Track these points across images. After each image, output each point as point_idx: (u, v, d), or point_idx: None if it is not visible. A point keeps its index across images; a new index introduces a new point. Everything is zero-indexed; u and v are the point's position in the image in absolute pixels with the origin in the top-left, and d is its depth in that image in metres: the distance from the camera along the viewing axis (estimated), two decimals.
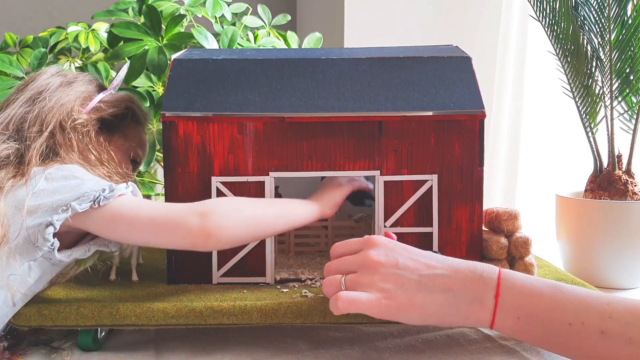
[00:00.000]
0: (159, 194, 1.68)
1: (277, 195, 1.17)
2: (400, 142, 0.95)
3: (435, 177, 0.96)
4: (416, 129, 0.95)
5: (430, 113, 0.95)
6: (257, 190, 0.96)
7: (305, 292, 0.91)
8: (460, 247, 0.97)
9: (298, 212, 0.96)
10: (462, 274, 0.75)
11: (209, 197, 0.96)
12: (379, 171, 0.96)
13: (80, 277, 1.00)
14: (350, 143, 0.96)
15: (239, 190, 0.96)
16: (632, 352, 0.66)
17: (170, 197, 0.96)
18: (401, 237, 0.96)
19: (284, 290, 0.93)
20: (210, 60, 1.00)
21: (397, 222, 0.97)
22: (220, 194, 0.96)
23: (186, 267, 0.97)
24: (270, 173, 0.96)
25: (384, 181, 0.96)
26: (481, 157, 0.96)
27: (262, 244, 0.97)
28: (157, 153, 1.46)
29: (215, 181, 0.96)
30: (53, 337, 0.92)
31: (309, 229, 1.14)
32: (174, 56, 1.02)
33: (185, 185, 0.96)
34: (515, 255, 0.97)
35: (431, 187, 0.96)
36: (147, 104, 1.43)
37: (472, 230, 0.96)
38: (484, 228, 1.01)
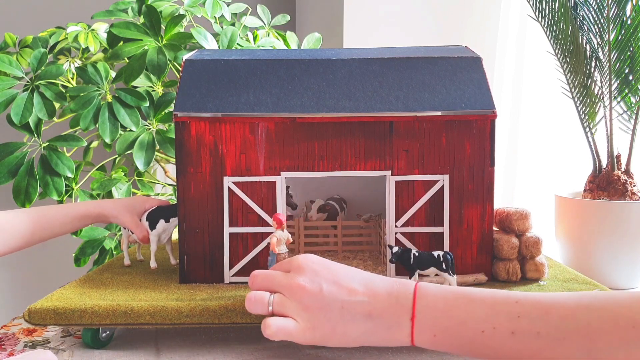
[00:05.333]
0: (158, 194, 1.67)
1: (288, 195, 1.17)
2: (411, 142, 0.96)
3: (446, 177, 0.96)
4: (427, 129, 0.95)
5: (441, 113, 0.95)
6: (268, 190, 0.96)
7: None
8: (471, 247, 0.97)
9: None
10: (380, 298, 0.76)
11: (221, 197, 0.96)
12: (390, 171, 0.96)
13: (94, 277, 1.00)
14: (361, 143, 0.96)
15: (250, 190, 0.96)
16: (541, 346, 0.68)
17: (183, 197, 0.96)
18: (412, 237, 0.97)
19: None
20: (222, 61, 1.00)
21: (408, 222, 0.97)
22: (232, 194, 0.96)
23: (198, 267, 0.98)
24: (281, 173, 0.96)
25: (395, 181, 0.96)
26: (492, 157, 0.96)
27: None
28: (156, 153, 1.46)
29: (228, 181, 0.96)
30: (49, 338, 0.92)
31: (318, 229, 1.15)
32: (185, 57, 1.02)
33: (198, 186, 0.96)
34: (526, 255, 0.98)
35: (442, 187, 0.96)
36: (147, 104, 1.43)
37: (483, 230, 0.97)
38: (494, 228, 1.02)
